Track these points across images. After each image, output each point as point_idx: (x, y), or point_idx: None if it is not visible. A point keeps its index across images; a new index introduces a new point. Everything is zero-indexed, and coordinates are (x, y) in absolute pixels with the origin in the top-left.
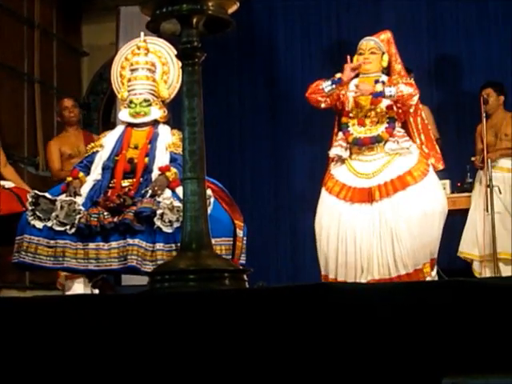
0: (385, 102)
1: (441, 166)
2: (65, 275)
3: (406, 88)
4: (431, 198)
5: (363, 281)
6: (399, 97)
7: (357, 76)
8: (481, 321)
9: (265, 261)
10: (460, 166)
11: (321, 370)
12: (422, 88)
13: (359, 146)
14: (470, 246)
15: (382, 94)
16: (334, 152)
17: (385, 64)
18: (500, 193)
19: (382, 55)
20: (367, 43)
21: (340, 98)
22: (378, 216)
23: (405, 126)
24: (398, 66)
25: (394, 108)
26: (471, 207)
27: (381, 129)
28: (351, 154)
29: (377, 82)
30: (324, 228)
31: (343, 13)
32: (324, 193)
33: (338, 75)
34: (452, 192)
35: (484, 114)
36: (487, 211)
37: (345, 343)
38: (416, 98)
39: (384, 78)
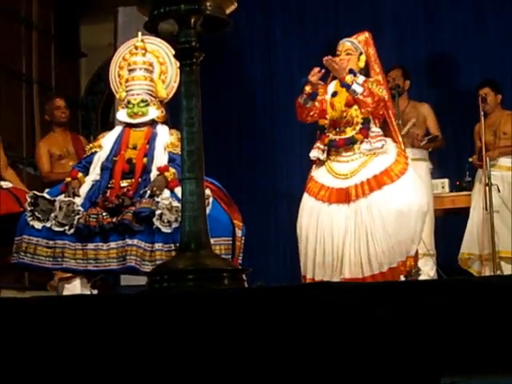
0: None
1: None
2: (59, 277)
3: (369, 95)
4: (407, 196)
5: (335, 280)
6: (358, 100)
7: (334, 78)
8: (480, 320)
9: (264, 260)
10: (458, 164)
11: (319, 370)
12: (419, 86)
13: (334, 148)
14: (471, 245)
15: (348, 87)
16: (312, 154)
17: (362, 64)
18: (499, 191)
19: (360, 56)
20: (343, 44)
21: (323, 104)
22: (353, 216)
23: (387, 127)
24: (377, 68)
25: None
26: (471, 206)
27: (355, 130)
28: (330, 155)
29: (351, 71)
30: (303, 229)
31: (340, 11)
32: (304, 194)
33: (307, 86)
34: (451, 191)
35: (482, 113)
36: (486, 210)
37: (343, 343)
38: (372, 107)
39: (361, 78)
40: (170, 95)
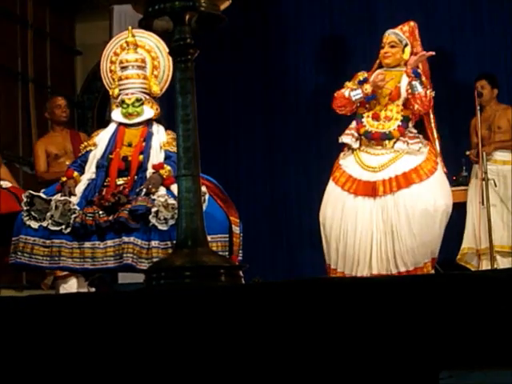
0: (402, 99)
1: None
2: (55, 276)
3: (424, 100)
4: (435, 196)
5: (361, 274)
6: (413, 97)
7: (381, 67)
8: (477, 314)
9: (261, 257)
10: (455, 159)
11: (318, 365)
12: None
13: (369, 139)
14: (470, 240)
15: (410, 85)
16: (344, 140)
17: (406, 56)
18: (495, 186)
19: (404, 47)
20: (388, 36)
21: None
22: (380, 211)
23: (421, 122)
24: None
25: (410, 107)
26: (467, 201)
27: (393, 126)
28: (360, 145)
29: (414, 72)
30: (327, 218)
31: (335, 8)
32: (330, 183)
33: (369, 88)
34: None
35: (478, 108)
36: (483, 204)
37: (342, 338)
38: (425, 109)
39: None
40: (164, 89)
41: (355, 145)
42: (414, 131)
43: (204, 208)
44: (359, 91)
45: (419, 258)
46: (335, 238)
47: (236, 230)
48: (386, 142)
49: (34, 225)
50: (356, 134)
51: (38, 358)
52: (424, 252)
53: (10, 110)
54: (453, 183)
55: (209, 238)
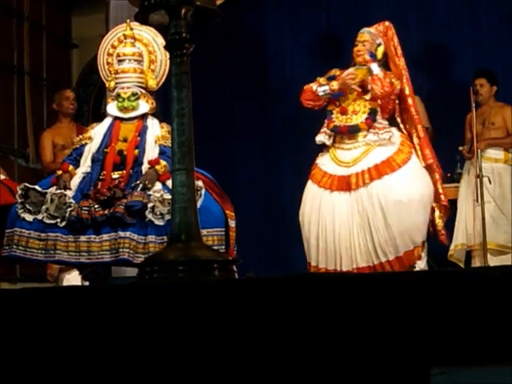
0: (370, 94)
1: (428, 161)
2: (58, 267)
3: (383, 82)
4: (408, 186)
5: (346, 269)
6: (372, 81)
7: (354, 65)
8: (469, 311)
9: (255, 251)
10: (450, 156)
11: (310, 360)
12: (411, 77)
13: (337, 133)
14: (462, 236)
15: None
16: (317, 139)
17: (379, 56)
18: (490, 183)
19: (378, 46)
20: (362, 34)
21: None
22: (355, 204)
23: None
24: (398, 61)
25: (371, 92)
26: (459, 198)
27: (360, 119)
28: (334, 142)
29: (371, 55)
30: (306, 215)
31: (332, 4)
32: (308, 181)
33: (336, 86)
34: (442, 183)
35: (474, 104)
36: (477, 201)
37: (334, 333)
38: (381, 91)
39: (376, 69)
40: (160, 84)
41: (328, 141)
42: (384, 123)
43: (200, 202)
44: (326, 87)
45: (399, 248)
46: (314, 235)
47: (231, 223)
48: (358, 135)
49: (29, 218)
50: (328, 131)
51: (31, 352)
52: (402, 241)
53: (6, 103)
54: (447, 180)
55: (205, 231)
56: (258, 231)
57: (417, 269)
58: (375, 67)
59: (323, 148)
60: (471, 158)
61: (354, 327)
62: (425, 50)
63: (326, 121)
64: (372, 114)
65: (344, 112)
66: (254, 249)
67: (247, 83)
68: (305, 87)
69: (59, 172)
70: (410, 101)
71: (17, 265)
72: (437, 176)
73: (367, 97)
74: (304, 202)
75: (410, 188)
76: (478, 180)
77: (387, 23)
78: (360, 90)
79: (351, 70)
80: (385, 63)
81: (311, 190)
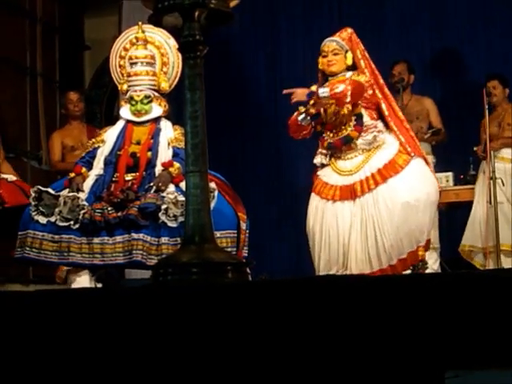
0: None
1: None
2: (66, 269)
3: (340, 86)
4: (413, 187)
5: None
6: (333, 95)
7: (324, 79)
8: (484, 314)
9: (268, 254)
10: (463, 158)
11: (323, 363)
12: (424, 79)
13: (333, 149)
14: (474, 237)
15: (312, 94)
16: (316, 161)
17: (349, 62)
18: (503, 185)
19: (346, 53)
20: (329, 44)
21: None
22: (359, 211)
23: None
24: (363, 64)
25: (360, 101)
26: (475, 198)
27: (350, 128)
28: (333, 156)
29: (311, 84)
30: (310, 227)
31: (344, 6)
32: (312, 194)
33: (311, 108)
34: (455, 184)
35: (486, 106)
36: (490, 203)
37: (348, 336)
38: (347, 95)
39: (349, 73)
40: (173, 86)
41: (325, 161)
42: (370, 123)
43: (213, 204)
44: (303, 115)
45: (403, 249)
46: (319, 246)
47: (243, 226)
48: (352, 144)
49: (42, 220)
50: (324, 151)
51: (44, 353)
52: (408, 242)
53: (19, 105)
54: (460, 182)
55: (218, 233)
56: (271, 233)
57: (429, 270)
58: (322, 90)
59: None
60: (486, 157)
61: (368, 330)
62: (437, 52)
63: (319, 142)
64: (358, 119)
65: (331, 128)
66: (266, 251)
67: (259, 85)
68: (289, 122)
69: (72, 174)
70: (382, 105)
71: (30, 266)
72: None
73: (348, 105)
74: (309, 215)
75: (415, 188)
76: (491, 182)
77: (349, 30)
78: (330, 105)
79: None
80: (354, 69)
81: (313, 202)
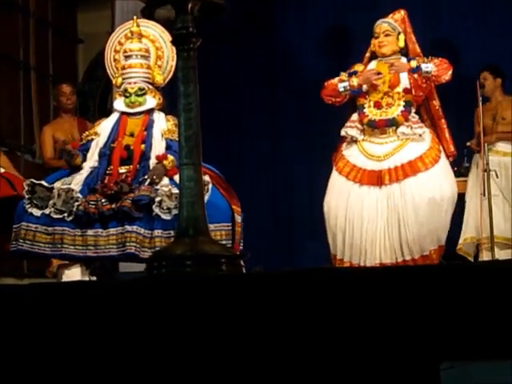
0: (402, 85)
1: (451, 149)
2: (58, 264)
3: (442, 62)
4: (441, 184)
5: (370, 264)
6: (436, 72)
7: (374, 58)
8: (479, 305)
9: (262, 246)
10: (457, 150)
11: (319, 355)
12: None
13: (373, 128)
14: (470, 230)
15: (419, 69)
16: (349, 133)
17: (401, 44)
18: (497, 177)
19: (398, 35)
20: (381, 25)
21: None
22: (386, 200)
23: (417, 110)
24: (415, 47)
25: (413, 91)
26: (467, 191)
27: (396, 112)
28: (364, 135)
29: (410, 59)
30: (332, 208)
31: None
32: (334, 173)
33: (355, 82)
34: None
35: (480, 98)
36: (484, 195)
37: (342, 328)
38: (451, 73)
39: (403, 59)
40: (167, 80)
41: (360, 137)
42: (417, 116)
43: (207, 197)
44: (346, 83)
45: (425, 246)
46: (341, 229)
47: (238, 218)
48: (390, 129)
49: (36, 212)
50: (360, 126)
51: (38, 346)
52: (430, 240)
53: (12, 99)
54: (454, 174)
55: (212, 226)
56: (266, 227)
57: None
58: (428, 65)
59: (346, 139)
60: (480, 151)
61: (363, 321)
62: (431, 44)
63: (355, 115)
64: (407, 106)
65: (378, 106)
66: (261, 244)
67: (255, 76)
68: (326, 83)
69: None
70: (434, 101)
71: (24, 260)
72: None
73: (399, 89)
74: (330, 194)
75: (442, 186)
76: (485, 174)
77: (403, 11)
78: (391, 77)
79: (373, 66)
80: (406, 52)
81: (339, 182)
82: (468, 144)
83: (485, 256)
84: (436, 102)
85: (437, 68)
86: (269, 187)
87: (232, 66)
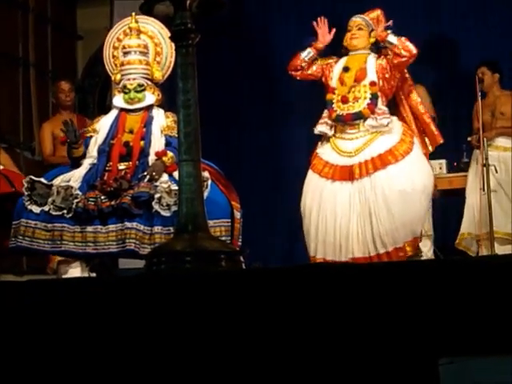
0: (368, 79)
1: (440, 140)
2: (58, 260)
3: (407, 42)
4: (412, 177)
5: (343, 259)
6: (400, 42)
7: (346, 55)
8: (477, 300)
9: (262, 242)
10: (456, 145)
11: (317, 351)
12: (418, 67)
13: (341, 122)
14: (469, 225)
15: (386, 42)
16: (318, 129)
17: (372, 40)
18: (496, 172)
19: (371, 32)
20: (355, 20)
21: (324, 72)
22: (357, 194)
23: (396, 107)
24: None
25: (380, 83)
26: (467, 186)
27: (363, 105)
28: (335, 132)
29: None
30: (307, 206)
31: None
32: (309, 171)
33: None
34: (448, 172)
35: (479, 93)
36: (483, 190)
37: (341, 324)
38: (412, 50)
39: (372, 55)
40: (166, 76)
41: (330, 132)
42: (384, 108)
43: (206, 193)
44: (309, 49)
45: (399, 238)
46: (314, 225)
47: (237, 215)
48: (359, 123)
49: (36, 209)
50: (329, 122)
51: (38, 343)
52: (404, 232)
53: (11, 95)
54: (454, 169)
55: (211, 222)
56: (265, 221)
57: (423, 258)
58: (392, 38)
59: (322, 138)
60: (480, 146)
61: (361, 317)
62: (431, 39)
63: (325, 111)
64: (373, 99)
65: (345, 100)
66: (259, 239)
67: (253, 70)
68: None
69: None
70: (413, 94)
71: (23, 257)
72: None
73: (366, 82)
74: (305, 193)
75: (413, 178)
76: (485, 169)
77: (379, 11)
78: (358, 71)
79: (343, 60)
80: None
81: (312, 179)
82: (469, 139)
83: (484, 251)
84: (415, 97)
85: (401, 43)
86: (268, 180)
87: (231, 58)
